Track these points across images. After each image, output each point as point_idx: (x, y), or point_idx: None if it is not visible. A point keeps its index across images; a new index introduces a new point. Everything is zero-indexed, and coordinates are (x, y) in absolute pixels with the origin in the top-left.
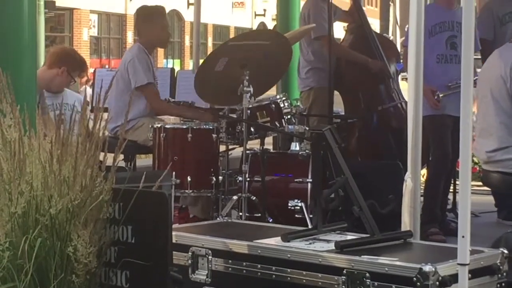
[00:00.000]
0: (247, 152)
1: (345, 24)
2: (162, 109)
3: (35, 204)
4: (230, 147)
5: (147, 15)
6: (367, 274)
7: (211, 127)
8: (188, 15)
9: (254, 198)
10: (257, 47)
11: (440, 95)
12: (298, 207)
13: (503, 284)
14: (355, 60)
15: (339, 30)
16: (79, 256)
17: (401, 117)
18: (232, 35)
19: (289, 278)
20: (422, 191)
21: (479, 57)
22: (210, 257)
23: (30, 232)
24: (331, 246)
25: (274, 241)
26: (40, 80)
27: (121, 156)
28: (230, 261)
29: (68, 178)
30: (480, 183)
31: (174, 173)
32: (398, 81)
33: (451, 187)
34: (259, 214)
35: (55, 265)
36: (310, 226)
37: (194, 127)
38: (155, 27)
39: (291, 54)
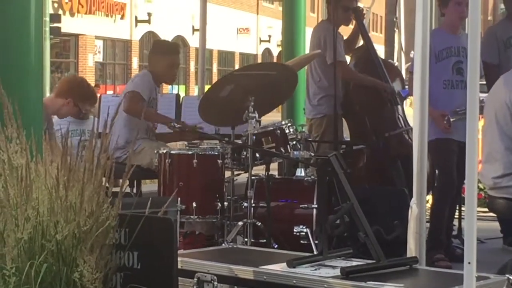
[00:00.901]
0: (252, 178)
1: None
2: (135, 112)
3: (41, 229)
4: (236, 173)
5: (159, 50)
6: None
7: (216, 153)
8: (193, 41)
9: (260, 224)
10: (263, 77)
11: (451, 119)
12: (304, 233)
13: None
14: (367, 84)
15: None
16: (85, 282)
17: (407, 143)
18: (237, 61)
19: None
20: (427, 217)
21: (484, 82)
22: (215, 283)
23: (36, 257)
24: (337, 272)
25: (279, 267)
26: (48, 108)
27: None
28: (235, 287)
29: (75, 204)
30: (486, 209)
31: (179, 199)
32: (403, 107)
33: (457, 213)
34: (264, 240)
35: None
36: (315, 252)
37: (200, 153)
38: (164, 63)
39: (297, 83)
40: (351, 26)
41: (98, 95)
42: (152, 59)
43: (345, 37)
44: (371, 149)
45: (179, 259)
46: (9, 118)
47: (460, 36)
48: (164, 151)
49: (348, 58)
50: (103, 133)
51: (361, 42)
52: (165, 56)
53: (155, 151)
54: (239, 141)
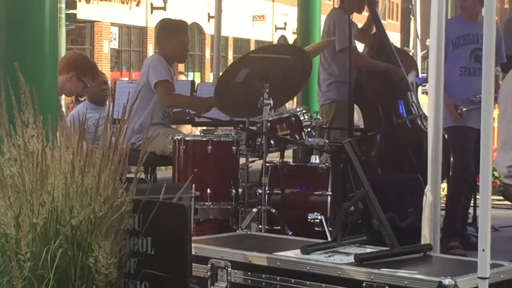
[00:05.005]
0: (267, 164)
1: None
2: (175, 104)
3: (56, 215)
4: (250, 159)
5: (169, 29)
6: (387, 287)
7: (231, 140)
8: (209, 28)
9: (274, 210)
10: (278, 61)
11: (464, 109)
12: (318, 220)
13: None
14: (378, 69)
15: (359, 43)
16: (100, 267)
17: (420, 130)
18: (252, 48)
19: None
20: (442, 205)
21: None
22: (229, 269)
23: (51, 242)
24: (351, 259)
25: (293, 254)
26: None
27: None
28: (249, 273)
29: (90, 189)
30: (501, 197)
31: (193, 185)
32: (417, 94)
33: (472, 201)
34: (279, 227)
35: (76, 276)
36: (329, 239)
37: (214, 140)
38: (175, 42)
39: (311, 69)
40: (366, 14)
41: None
42: (162, 40)
43: (359, 25)
44: (384, 136)
45: (193, 245)
46: (26, 103)
47: (480, 24)
48: (179, 138)
49: (362, 46)
50: (122, 119)
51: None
52: (174, 35)
53: (170, 138)
54: (254, 128)
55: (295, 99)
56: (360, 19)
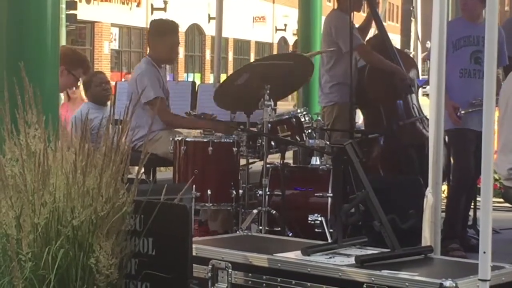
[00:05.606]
0: (268, 166)
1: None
2: (169, 121)
3: (58, 215)
4: (251, 161)
5: (158, 31)
6: None
7: (231, 141)
8: (209, 29)
9: (274, 212)
10: (279, 65)
11: (462, 112)
12: (318, 222)
13: None
14: (387, 69)
15: None
16: (101, 268)
17: (421, 132)
18: (253, 50)
19: None
20: (443, 207)
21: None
22: (230, 270)
23: (52, 243)
24: (351, 260)
25: (294, 255)
26: None
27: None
28: (250, 274)
29: (92, 189)
30: (501, 200)
31: (194, 186)
32: (417, 96)
33: (471, 203)
34: (279, 228)
35: (77, 276)
36: (330, 241)
37: (215, 141)
38: (164, 44)
39: (312, 72)
40: (363, 14)
41: (113, 82)
42: (152, 42)
43: (357, 25)
44: (385, 138)
45: (193, 246)
46: (30, 103)
47: (482, 25)
48: (180, 138)
49: None
50: (124, 119)
51: (373, 31)
52: (161, 38)
53: (170, 139)
54: (255, 129)
55: (295, 101)
56: (358, 18)
